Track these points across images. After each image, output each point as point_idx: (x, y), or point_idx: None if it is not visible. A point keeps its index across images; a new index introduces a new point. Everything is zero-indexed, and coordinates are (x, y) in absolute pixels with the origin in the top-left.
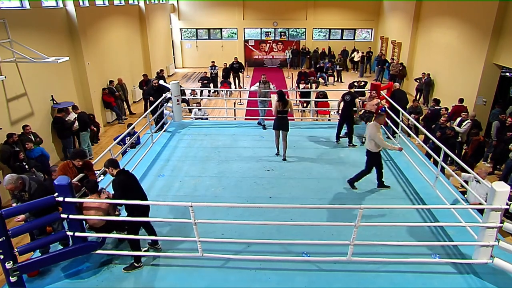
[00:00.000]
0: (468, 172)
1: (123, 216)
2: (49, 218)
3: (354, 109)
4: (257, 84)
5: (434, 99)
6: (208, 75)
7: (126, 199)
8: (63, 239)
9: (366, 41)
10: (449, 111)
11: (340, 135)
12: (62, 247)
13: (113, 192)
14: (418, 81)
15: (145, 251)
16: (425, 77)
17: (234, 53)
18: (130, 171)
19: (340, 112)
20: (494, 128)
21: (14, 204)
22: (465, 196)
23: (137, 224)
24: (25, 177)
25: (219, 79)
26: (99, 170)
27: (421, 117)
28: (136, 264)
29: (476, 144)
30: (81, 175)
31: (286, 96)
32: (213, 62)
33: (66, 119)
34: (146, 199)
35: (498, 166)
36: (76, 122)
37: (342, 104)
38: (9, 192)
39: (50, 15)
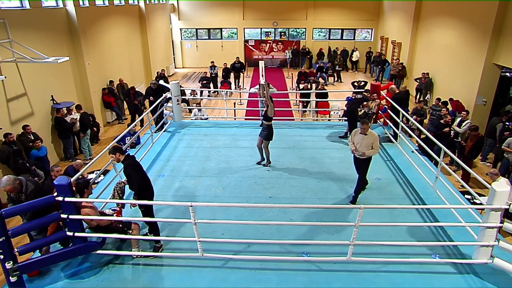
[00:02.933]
0: (466, 170)
1: (123, 215)
2: (49, 218)
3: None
4: (257, 86)
5: (438, 99)
6: (208, 75)
7: (138, 179)
8: (62, 240)
9: (366, 41)
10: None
11: (340, 135)
12: (62, 247)
13: (123, 179)
14: (418, 81)
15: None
16: (426, 77)
17: (234, 53)
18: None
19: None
20: (498, 131)
21: (10, 205)
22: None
23: (150, 206)
24: (22, 178)
25: (219, 79)
26: (99, 170)
27: (424, 120)
28: (157, 245)
29: (475, 140)
30: (78, 174)
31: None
32: (212, 62)
33: (69, 119)
34: (150, 183)
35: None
36: (78, 122)
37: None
38: (7, 193)
39: (50, 15)
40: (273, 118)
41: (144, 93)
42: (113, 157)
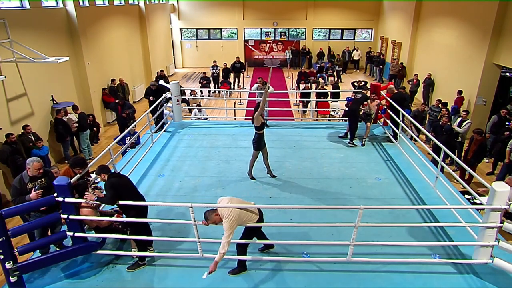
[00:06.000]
0: (466, 170)
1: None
2: (49, 218)
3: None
4: (256, 85)
5: (438, 100)
6: (209, 75)
7: (120, 199)
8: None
9: (366, 41)
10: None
11: (340, 135)
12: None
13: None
14: (410, 83)
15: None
16: (426, 78)
17: (234, 53)
18: (128, 172)
19: (347, 107)
20: (491, 122)
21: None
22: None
23: (139, 225)
24: None
25: (220, 79)
26: None
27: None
28: (140, 263)
29: (479, 143)
30: (78, 175)
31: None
32: (215, 62)
33: (66, 119)
34: (142, 198)
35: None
36: (76, 123)
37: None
38: (14, 187)
39: (50, 15)
40: (268, 120)
41: (144, 94)
42: (99, 177)
